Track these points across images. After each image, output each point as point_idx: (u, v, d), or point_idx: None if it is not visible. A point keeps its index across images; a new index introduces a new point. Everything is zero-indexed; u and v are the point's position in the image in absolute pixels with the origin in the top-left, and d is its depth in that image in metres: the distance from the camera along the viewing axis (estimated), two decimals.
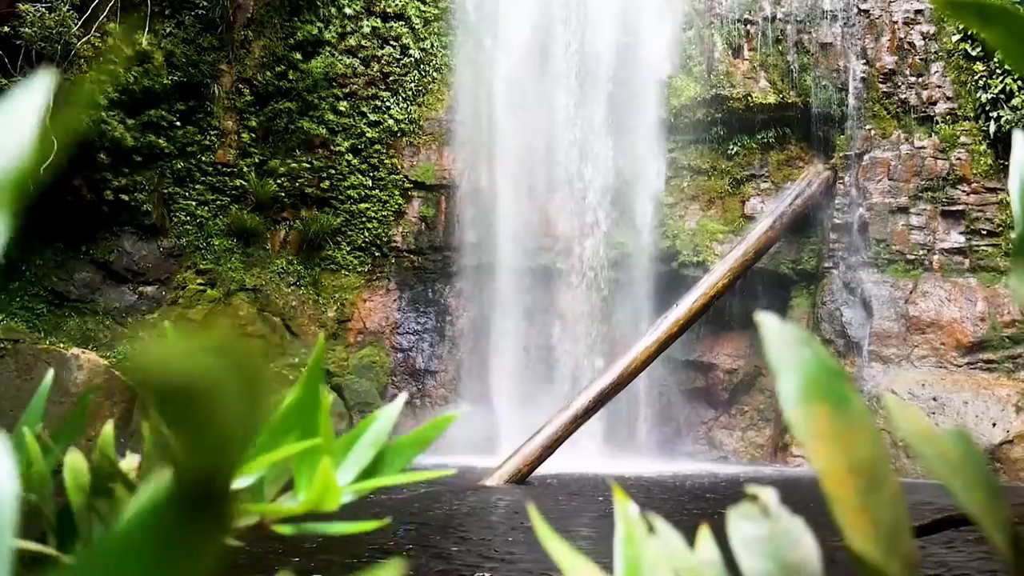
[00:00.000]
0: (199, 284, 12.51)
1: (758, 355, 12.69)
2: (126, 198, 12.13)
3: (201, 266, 12.61)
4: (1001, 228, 11.20)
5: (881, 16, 11.93)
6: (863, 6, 12.02)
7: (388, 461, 0.59)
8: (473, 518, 6.50)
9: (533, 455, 9.19)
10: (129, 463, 0.64)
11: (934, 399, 10.53)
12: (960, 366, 10.91)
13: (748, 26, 12.35)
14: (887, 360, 11.16)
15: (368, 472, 0.59)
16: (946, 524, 1.82)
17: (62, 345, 10.57)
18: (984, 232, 11.27)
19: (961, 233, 11.36)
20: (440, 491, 8.03)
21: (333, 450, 0.56)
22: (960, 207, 11.39)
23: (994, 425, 10.16)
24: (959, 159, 11.41)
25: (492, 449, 11.08)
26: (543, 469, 9.31)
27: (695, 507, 7.07)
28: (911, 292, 11.30)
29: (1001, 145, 11.20)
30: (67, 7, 10.12)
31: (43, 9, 9.97)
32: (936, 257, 11.41)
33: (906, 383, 10.81)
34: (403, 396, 0.74)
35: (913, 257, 11.48)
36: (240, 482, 0.54)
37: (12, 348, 10.21)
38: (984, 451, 9.93)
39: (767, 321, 0.46)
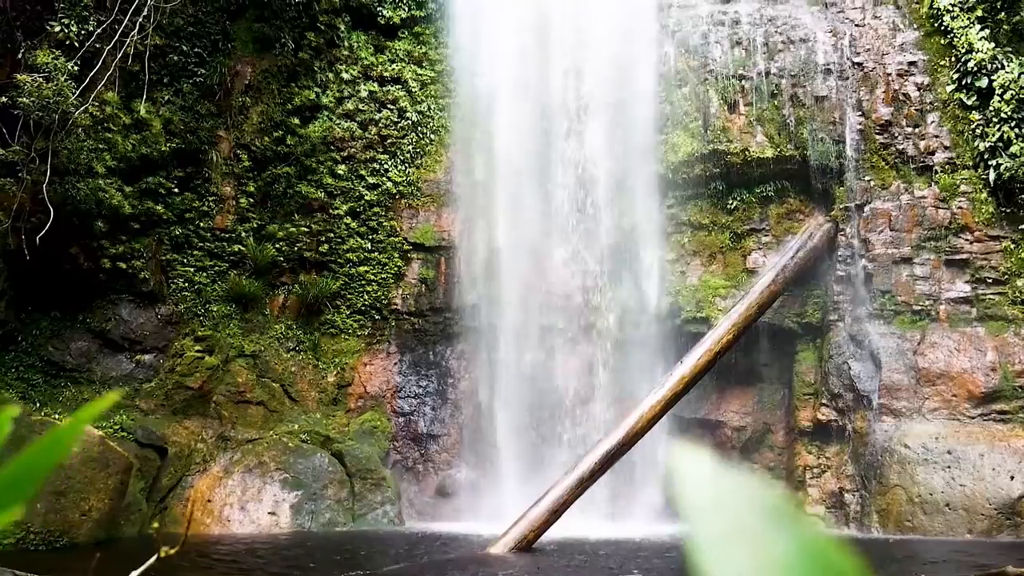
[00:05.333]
0: (197, 351, 12.35)
1: (766, 411, 12.47)
2: (124, 265, 12.06)
3: (199, 333, 12.47)
4: (1007, 276, 11.08)
5: (875, 68, 12.00)
6: (856, 59, 12.10)
7: None
8: None
9: (539, 520, 8.93)
10: None
11: (948, 452, 10.27)
12: (973, 418, 10.68)
13: (743, 81, 12.42)
14: (898, 413, 10.93)
15: None
16: None
17: (56, 416, 10.37)
18: (990, 280, 11.15)
19: (966, 282, 11.24)
20: (442, 561, 7.76)
21: None
22: (964, 256, 11.28)
23: (1012, 478, 9.89)
24: (960, 208, 11.35)
25: (497, 514, 10.80)
26: (550, 534, 9.04)
27: None
28: (919, 343, 11.12)
29: (1002, 193, 11.15)
30: (65, 77, 10.17)
31: (40, 79, 10.02)
32: (942, 307, 11.26)
33: (919, 437, 10.56)
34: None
35: (919, 308, 11.33)
36: None
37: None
38: (1003, 506, 9.67)
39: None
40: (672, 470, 0.39)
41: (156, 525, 10.57)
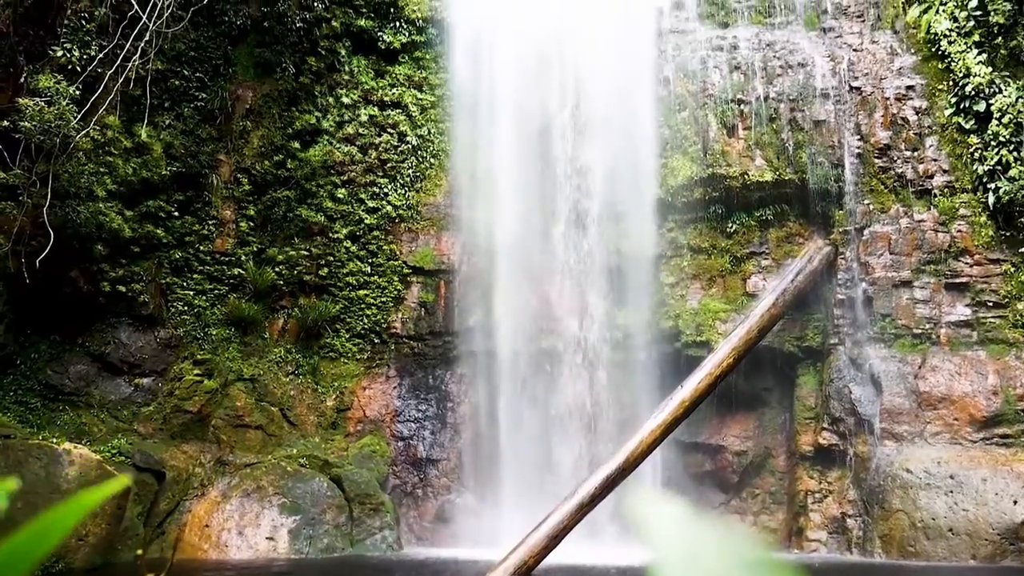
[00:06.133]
0: (196, 375, 12.32)
1: (767, 435, 12.41)
2: (123, 289, 12.06)
3: (198, 356, 12.44)
4: (1007, 300, 11.06)
5: (873, 93, 12.05)
6: (854, 83, 12.15)
7: None
8: None
9: (538, 546, 8.84)
10: None
11: (951, 477, 10.20)
12: (975, 442, 10.62)
13: (741, 105, 12.47)
14: (900, 438, 10.87)
15: None
16: None
17: (54, 440, 10.32)
18: (990, 304, 11.13)
19: (967, 306, 11.21)
20: None
21: None
22: (964, 279, 11.27)
23: (1015, 503, 9.81)
24: (960, 231, 11.35)
25: (496, 540, 10.71)
26: (550, 560, 8.95)
27: None
28: (920, 367, 11.08)
29: (1001, 216, 11.15)
30: (67, 101, 10.22)
31: (42, 103, 10.07)
32: (943, 331, 11.23)
33: (921, 461, 10.49)
34: None
35: (920, 331, 11.30)
36: None
37: (2, 444, 9.96)
38: (1006, 531, 9.59)
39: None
40: (640, 520, 0.38)
41: (140, 551, 10.47)
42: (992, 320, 11.08)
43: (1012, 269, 11.09)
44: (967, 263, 11.29)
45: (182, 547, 10.74)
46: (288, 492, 11.14)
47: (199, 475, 11.56)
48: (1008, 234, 11.16)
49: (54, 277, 11.31)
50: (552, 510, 9.24)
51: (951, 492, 10.08)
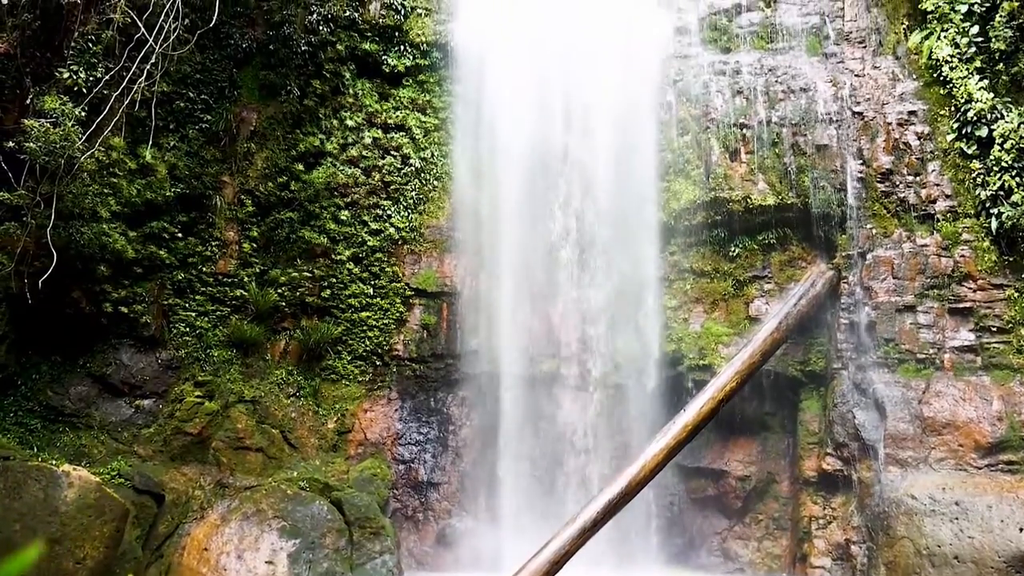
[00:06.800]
0: (197, 396, 12.28)
1: (770, 460, 12.33)
2: (125, 310, 12.05)
3: (200, 378, 12.41)
4: (1011, 325, 11.03)
5: (875, 117, 12.09)
6: (857, 108, 12.19)
7: None
8: None
9: (540, 571, 8.78)
10: None
11: (956, 504, 10.12)
12: (980, 468, 10.54)
13: (744, 130, 12.51)
14: (904, 464, 10.79)
15: None
16: None
17: (53, 462, 10.27)
18: (994, 329, 11.09)
19: (971, 331, 11.18)
20: None
21: None
22: (967, 304, 11.24)
23: (1021, 530, 9.72)
24: (963, 256, 11.34)
25: (497, 564, 10.63)
26: None
27: None
28: (924, 392, 11.03)
29: (1004, 241, 11.14)
30: (72, 122, 10.27)
31: (48, 124, 10.11)
32: (947, 356, 11.19)
33: (926, 487, 10.41)
34: None
35: (923, 356, 11.26)
36: None
37: (2, 466, 9.91)
38: (1013, 559, 9.49)
39: None
40: None
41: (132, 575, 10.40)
42: (996, 345, 11.03)
43: (1016, 294, 11.07)
44: (970, 288, 11.26)
45: (180, 571, 10.65)
46: (288, 515, 11.07)
47: (199, 498, 11.49)
48: (1011, 259, 11.14)
49: (56, 298, 11.30)
50: (553, 535, 9.18)
51: (956, 519, 9.99)
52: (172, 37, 11.35)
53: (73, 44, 11.20)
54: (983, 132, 11.25)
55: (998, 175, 11.05)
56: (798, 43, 13.10)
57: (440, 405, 13.20)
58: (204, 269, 12.81)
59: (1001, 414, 10.64)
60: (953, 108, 11.66)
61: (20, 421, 11.51)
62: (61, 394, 11.88)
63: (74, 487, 10.00)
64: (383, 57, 13.63)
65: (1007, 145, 10.97)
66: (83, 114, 10.59)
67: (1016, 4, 11.18)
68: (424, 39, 13.67)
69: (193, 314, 12.71)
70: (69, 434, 11.72)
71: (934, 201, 11.64)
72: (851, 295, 11.76)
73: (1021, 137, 10.90)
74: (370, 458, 12.73)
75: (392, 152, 13.45)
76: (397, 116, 13.56)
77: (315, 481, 11.82)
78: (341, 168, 13.28)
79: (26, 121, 10.22)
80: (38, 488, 9.81)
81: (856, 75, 12.54)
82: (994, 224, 11.09)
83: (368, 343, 13.10)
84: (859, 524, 10.98)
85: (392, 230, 13.28)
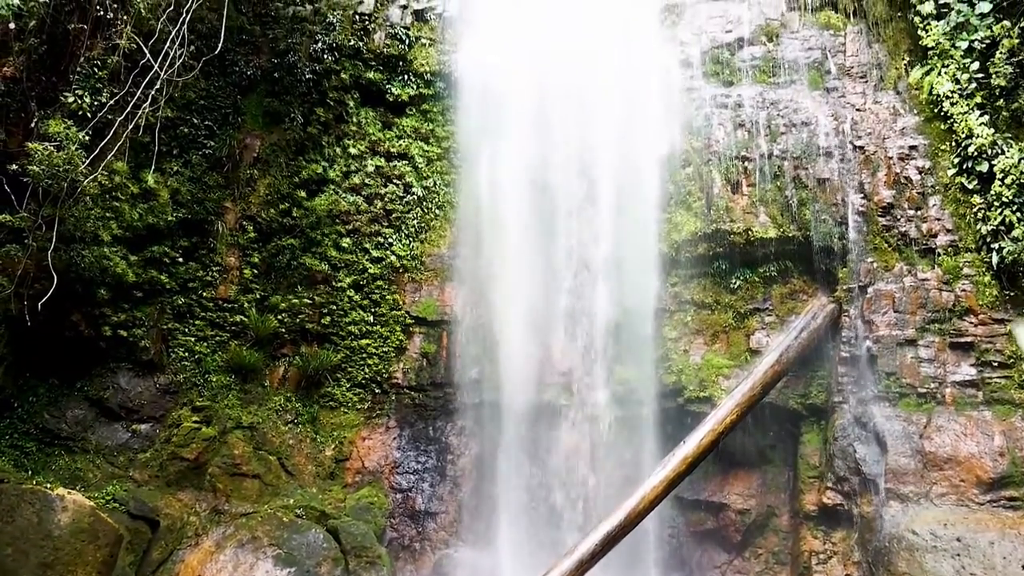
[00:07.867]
0: (194, 422, 12.22)
1: (770, 494, 12.24)
2: (124, 334, 12.04)
3: (197, 403, 12.36)
4: (1012, 360, 10.99)
5: (876, 152, 12.14)
6: (858, 143, 12.25)
7: None
8: None
9: None
10: None
11: (958, 540, 10.02)
12: (982, 504, 10.45)
13: (745, 163, 12.56)
14: (905, 499, 10.70)
15: None
16: None
17: (48, 485, 10.21)
18: (995, 364, 11.04)
19: (972, 365, 11.14)
20: None
21: None
22: (969, 339, 11.20)
23: (1023, 568, 9.62)
24: (964, 290, 11.33)
25: None
26: None
27: None
28: (925, 427, 10.96)
29: (1005, 276, 11.13)
30: (76, 146, 10.32)
31: (51, 148, 10.17)
32: (948, 390, 11.14)
33: (927, 523, 10.31)
34: None
35: (924, 390, 11.21)
36: None
37: None
38: None
39: None
40: None
41: None
42: (997, 380, 10.99)
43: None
44: (971, 322, 11.24)
45: None
46: (283, 543, 10.97)
47: (194, 524, 11.40)
48: (1012, 294, 11.13)
49: (56, 320, 11.29)
50: (550, 567, 9.09)
51: (958, 555, 9.89)
52: (177, 63, 11.45)
53: (79, 69, 11.29)
54: (984, 167, 11.29)
55: (999, 210, 11.07)
56: (800, 77, 13.19)
57: (439, 434, 13.13)
58: (204, 294, 12.81)
59: (1003, 449, 10.57)
60: (954, 143, 11.71)
61: (16, 444, 11.45)
62: (58, 417, 11.83)
63: (68, 511, 9.92)
64: (387, 86, 13.74)
65: (1008, 180, 11.01)
66: (87, 138, 10.65)
67: (1016, 41, 11.27)
68: (428, 69, 13.78)
69: (192, 339, 12.69)
70: (64, 457, 11.65)
71: (935, 235, 11.65)
72: (852, 328, 11.74)
73: (1022, 172, 10.93)
74: (367, 486, 12.64)
75: (395, 180, 13.50)
76: (400, 145, 13.64)
77: (311, 509, 11.73)
78: (343, 196, 13.33)
79: (30, 144, 10.28)
80: (32, 511, 9.74)
81: (857, 109, 12.62)
82: (995, 259, 11.09)
83: (367, 371, 13.06)
84: (860, 559, 10.86)
85: (393, 258, 13.29)
